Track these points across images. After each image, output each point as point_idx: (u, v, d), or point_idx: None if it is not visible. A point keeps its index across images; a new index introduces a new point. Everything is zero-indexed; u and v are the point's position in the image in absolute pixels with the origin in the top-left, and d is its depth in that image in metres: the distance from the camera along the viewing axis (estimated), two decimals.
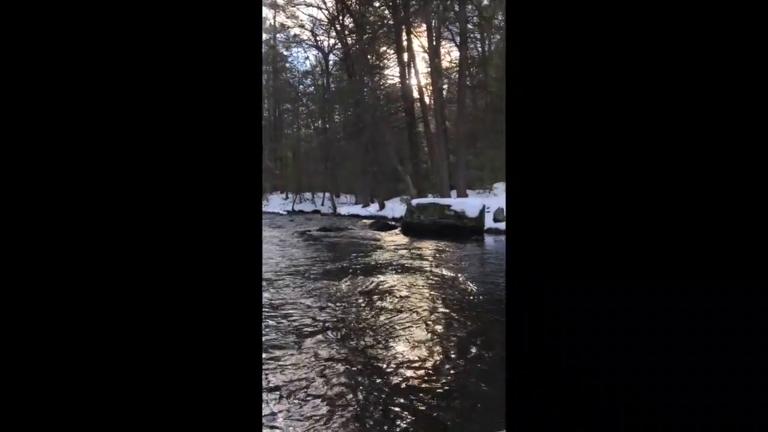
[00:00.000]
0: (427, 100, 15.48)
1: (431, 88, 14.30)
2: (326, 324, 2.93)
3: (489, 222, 8.98)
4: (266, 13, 23.15)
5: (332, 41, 21.65)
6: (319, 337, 2.67)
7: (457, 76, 14.83)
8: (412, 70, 15.52)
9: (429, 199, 10.06)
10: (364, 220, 13.92)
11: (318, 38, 22.15)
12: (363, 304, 3.47)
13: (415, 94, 15.90)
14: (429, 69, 14.01)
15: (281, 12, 23.09)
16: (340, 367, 2.23)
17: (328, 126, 22.59)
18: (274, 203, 23.75)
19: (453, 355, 2.43)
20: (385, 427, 1.70)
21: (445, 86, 17.12)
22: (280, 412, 1.76)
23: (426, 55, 14.80)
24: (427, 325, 2.96)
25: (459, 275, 4.59)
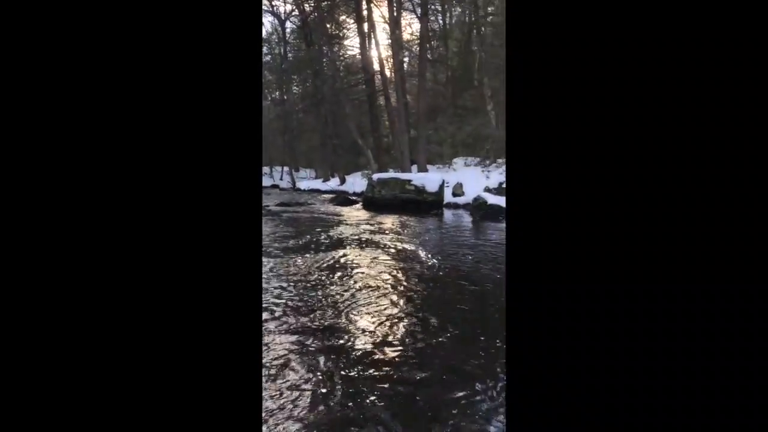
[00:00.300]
0: (387, 72, 15.27)
1: (392, 60, 14.08)
2: (288, 302, 2.92)
3: (448, 197, 9.15)
4: None
5: (289, 7, 20.70)
6: (280, 313, 2.66)
7: (417, 49, 14.68)
8: (373, 42, 15.20)
9: (390, 174, 10.08)
10: (325, 195, 13.78)
11: (274, 3, 21.09)
12: (326, 281, 3.47)
13: (376, 67, 15.62)
14: (390, 41, 13.77)
15: None
16: (303, 344, 2.24)
17: (285, 97, 21.82)
18: None
19: (417, 331, 2.50)
20: (350, 404, 1.74)
21: (406, 59, 16.92)
22: None
23: (387, 26, 14.51)
24: (391, 300, 3.02)
25: (420, 250, 4.68)
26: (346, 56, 18.51)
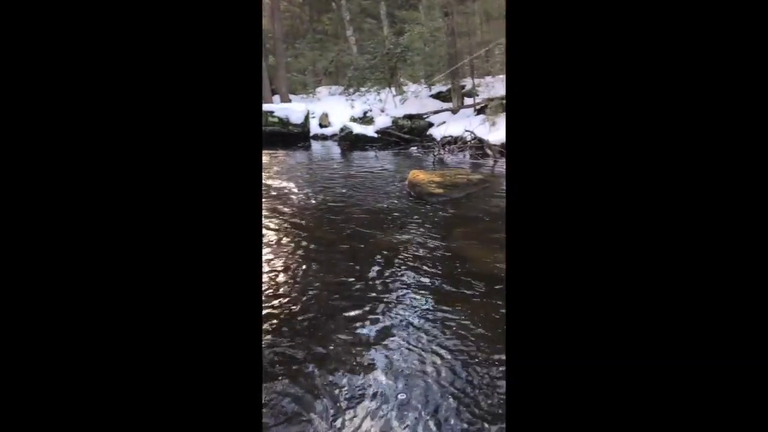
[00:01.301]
0: None
1: None
2: None
3: (314, 128, 8.96)
4: None
5: None
6: None
7: None
8: None
9: None
10: None
11: None
12: None
13: None
14: None
15: None
16: None
17: None
18: None
19: (297, 269, 2.54)
20: None
21: None
22: None
23: None
24: (269, 239, 2.97)
25: (292, 185, 4.61)
26: None
